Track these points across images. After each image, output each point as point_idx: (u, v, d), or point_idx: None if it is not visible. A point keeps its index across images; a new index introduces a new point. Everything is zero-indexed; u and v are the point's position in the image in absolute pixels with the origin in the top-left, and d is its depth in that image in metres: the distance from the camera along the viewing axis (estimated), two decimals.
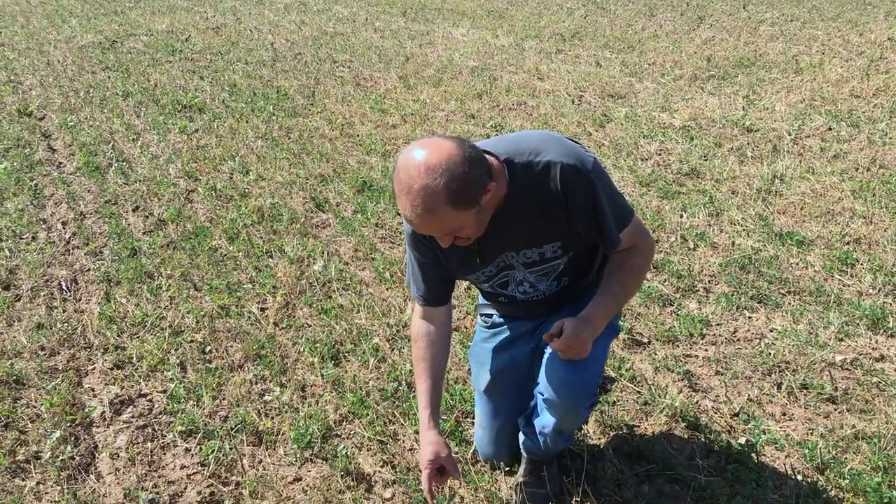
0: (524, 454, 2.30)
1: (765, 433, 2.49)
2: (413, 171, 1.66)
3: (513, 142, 1.92)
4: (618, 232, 1.92)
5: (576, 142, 1.94)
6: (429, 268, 2.08)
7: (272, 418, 2.72)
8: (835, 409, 2.62)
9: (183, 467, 2.53)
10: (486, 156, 1.80)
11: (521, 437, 2.27)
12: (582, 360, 1.91)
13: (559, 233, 1.94)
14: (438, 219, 1.69)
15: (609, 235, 1.91)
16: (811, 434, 2.50)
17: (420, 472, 2.06)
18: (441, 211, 1.67)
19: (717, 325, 3.13)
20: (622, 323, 3.11)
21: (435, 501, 2.14)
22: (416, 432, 2.57)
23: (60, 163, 5.52)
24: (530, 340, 2.25)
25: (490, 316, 2.34)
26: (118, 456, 2.59)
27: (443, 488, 2.24)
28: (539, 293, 2.11)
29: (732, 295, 3.31)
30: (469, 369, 2.74)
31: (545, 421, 2.12)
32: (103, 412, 2.80)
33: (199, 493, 2.42)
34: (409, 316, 3.26)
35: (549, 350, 1.99)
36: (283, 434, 2.64)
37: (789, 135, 5.20)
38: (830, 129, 5.30)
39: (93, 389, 2.95)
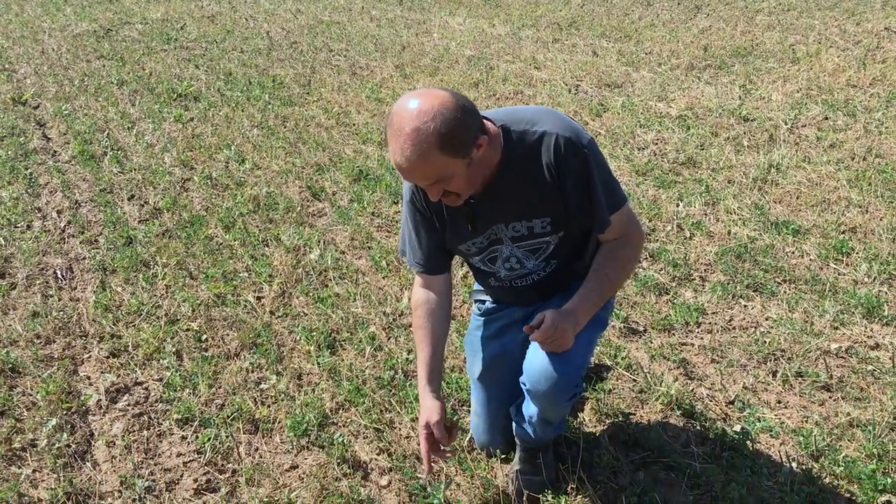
0: (518, 442, 2.30)
1: (760, 421, 2.50)
2: (406, 114, 1.68)
3: (511, 112, 1.94)
4: (608, 214, 1.92)
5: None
6: (425, 234, 2.08)
7: (268, 406, 2.72)
8: (830, 397, 2.63)
9: (179, 455, 2.53)
10: (484, 120, 1.82)
11: (514, 425, 2.27)
12: (564, 352, 1.91)
13: (550, 207, 1.94)
14: (428, 163, 1.70)
15: (599, 215, 1.91)
16: (806, 422, 2.51)
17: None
18: (431, 155, 1.68)
19: (713, 313, 3.14)
20: (617, 311, 3.11)
21: (432, 472, 2.16)
22: (413, 420, 2.58)
23: (55, 151, 5.50)
24: (521, 329, 2.25)
25: (483, 302, 2.34)
26: (114, 444, 2.59)
27: (438, 475, 2.24)
28: (526, 270, 2.10)
29: (728, 283, 3.31)
30: (465, 358, 2.75)
31: (531, 410, 2.13)
32: (99, 400, 2.80)
33: (195, 480, 2.42)
34: (406, 304, 3.26)
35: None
36: (279, 422, 2.65)
37: (786, 124, 5.19)
38: (827, 118, 5.30)
39: (88, 378, 2.95)
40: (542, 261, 2.07)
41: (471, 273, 2.36)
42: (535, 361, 1.97)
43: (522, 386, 2.06)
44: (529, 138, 1.87)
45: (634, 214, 2.02)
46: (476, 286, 2.38)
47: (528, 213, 1.96)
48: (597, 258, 2.01)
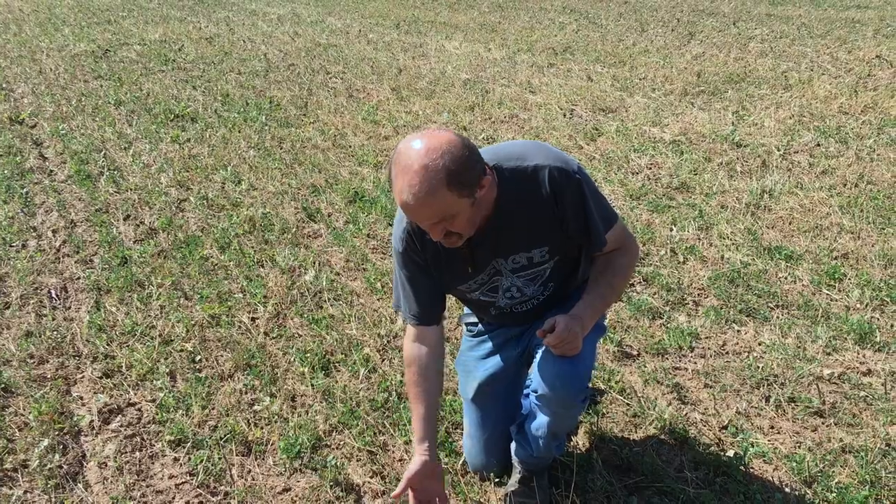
0: (516, 464, 2.30)
1: (753, 446, 2.51)
2: (413, 153, 1.69)
3: (498, 150, 1.97)
4: (604, 232, 1.97)
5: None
6: (421, 284, 2.08)
7: (262, 428, 2.72)
8: (822, 423, 2.63)
9: (171, 477, 2.52)
10: None
11: (514, 445, 2.28)
12: (574, 354, 1.94)
13: (547, 237, 1.98)
14: (436, 201, 1.70)
15: (596, 236, 1.96)
16: (799, 447, 2.52)
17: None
18: (439, 193, 1.69)
19: (707, 338, 3.15)
20: (611, 335, 3.12)
21: None
22: (407, 443, 2.58)
23: (51, 171, 5.51)
24: (516, 346, 2.27)
25: (475, 325, 2.35)
26: (106, 465, 2.57)
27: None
28: (526, 297, 2.13)
29: (721, 308, 3.33)
30: (458, 380, 2.75)
31: (540, 422, 2.13)
32: (92, 421, 2.78)
33: (187, 502, 2.40)
34: (401, 326, 3.26)
35: (540, 349, 2.02)
36: (272, 444, 2.64)
37: (778, 150, 5.24)
38: (819, 145, 5.35)
39: (81, 398, 2.94)
40: (540, 286, 2.10)
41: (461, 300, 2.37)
42: (547, 366, 1.99)
43: (532, 395, 2.08)
44: (522, 173, 1.90)
45: (626, 228, 2.08)
46: (466, 310, 2.39)
47: (527, 245, 1.99)
48: (595, 268, 2.06)
